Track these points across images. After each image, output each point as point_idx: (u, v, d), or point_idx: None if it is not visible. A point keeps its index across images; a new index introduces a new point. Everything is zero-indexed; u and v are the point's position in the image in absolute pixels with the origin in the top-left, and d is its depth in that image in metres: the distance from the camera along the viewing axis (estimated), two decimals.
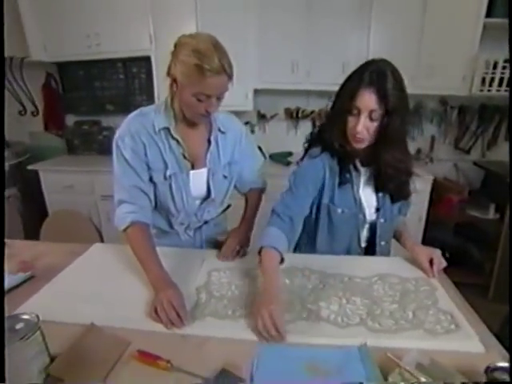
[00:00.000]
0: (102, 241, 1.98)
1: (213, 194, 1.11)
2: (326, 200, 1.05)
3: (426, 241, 2.41)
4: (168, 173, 1.02)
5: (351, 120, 0.91)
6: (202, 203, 1.13)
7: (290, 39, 2.27)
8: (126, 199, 1.00)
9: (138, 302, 0.85)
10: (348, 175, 1.02)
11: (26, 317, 0.63)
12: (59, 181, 2.53)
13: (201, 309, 0.83)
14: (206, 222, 1.20)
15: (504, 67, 2.15)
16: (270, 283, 0.83)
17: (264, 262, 0.88)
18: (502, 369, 0.58)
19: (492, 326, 0.82)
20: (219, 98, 0.93)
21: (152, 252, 0.93)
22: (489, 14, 2.08)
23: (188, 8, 2.22)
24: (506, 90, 2.19)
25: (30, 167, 2.50)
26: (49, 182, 2.55)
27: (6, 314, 0.61)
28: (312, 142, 1.09)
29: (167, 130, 1.01)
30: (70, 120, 2.91)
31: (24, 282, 0.96)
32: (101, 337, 0.72)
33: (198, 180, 1.08)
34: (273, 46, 2.28)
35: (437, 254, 1.02)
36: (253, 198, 1.26)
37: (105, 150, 2.76)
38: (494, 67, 2.17)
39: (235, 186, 1.22)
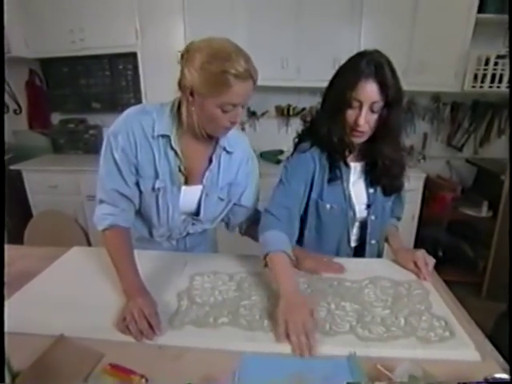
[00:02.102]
0: (88, 242, 1.92)
1: (201, 214, 1.01)
2: (314, 195, 1.01)
3: (419, 239, 2.39)
4: (157, 185, 0.93)
5: (351, 113, 0.88)
6: (186, 218, 1.04)
7: (280, 35, 2.22)
8: (106, 200, 0.93)
9: (115, 310, 0.80)
10: (338, 170, 0.98)
11: None
12: (43, 181, 2.46)
13: (181, 316, 0.77)
14: (189, 234, 1.11)
15: (496, 63, 2.13)
16: (292, 287, 0.79)
17: (276, 267, 0.84)
18: (501, 381, 0.53)
19: (486, 324, 0.79)
20: (243, 106, 0.85)
21: (128, 258, 0.87)
22: (481, 10, 2.06)
23: (175, 3, 2.16)
24: (498, 87, 2.17)
25: (12, 167, 2.42)
26: (33, 182, 2.48)
27: None
28: (302, 137, 1.05)
29: (167, 138, 0.91)
30: (56, 118, 2.83)
31: None
32: (70, 349, 0.67)
33: (189, 196, 0.99)
34: (262, 42, 2.21)
35: (418, 255, 0.98)
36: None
37: (91, 148, 2.70)
38: (486, 63, 2.15)
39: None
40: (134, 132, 0.89)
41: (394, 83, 0.85)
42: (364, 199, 1.03)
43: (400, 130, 0.97)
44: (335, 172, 0.98)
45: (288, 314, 0.72)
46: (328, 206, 1.00)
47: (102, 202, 0.94)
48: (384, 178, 0.99)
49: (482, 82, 2.17)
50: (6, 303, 0.83)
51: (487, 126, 2.51)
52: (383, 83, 0.83)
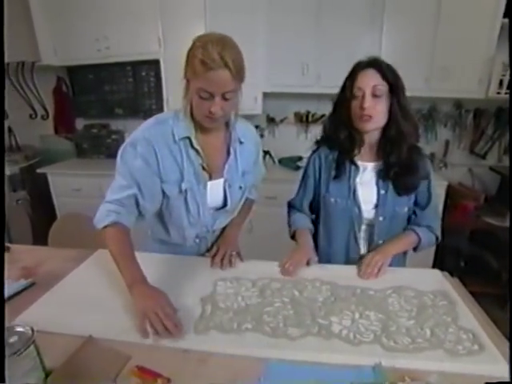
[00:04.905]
0: None
1: (229, 205, 1.07)
2: (323, 190, 1.10)
3: (441, 249, 2.33)
4: (183, 186, 0.98)
5: (355, 104, 0.96)
6: (214, 213, 1.09)
7: (300, 41, 2.23)
8: (113, 201, 0.94)
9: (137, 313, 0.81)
10: (343, 168, 1.05)
11: (20, 329, 0.60)
12: (68, 184, 2.54)
13: (205, 321, 0.78)
14: (213, 231, 1.16)
15: None
16: (306, 240, 1.08)
17: (298, 235, 1.11)
18: None
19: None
20: (226, 99, 0.87)
21: (131, 254, 0.88)
22: (507, 15, 2.00)
23: (197, 11, 2.21)
24: None
25: (38, 170, 2.52)
26: (57, 186, 2.57)
27: (6, 324, 0.59)
28: (319, 139, 1.13)
29: (188, 139, 0.96)
30: (80, 123, 2.93)
31: (25, 289, 0.94)
32: (99, 350, 0.69)
33: (214, 191, 1.04)
34: (282, 49, 2.25)
35: (366, 255, 1.03)
36: (246, 206, 1.21)
37: (113, 153, 2.74)
38: None
39: None
40: (153, 141, 0.93)
41: (392, 71, 0.93)
42: (373, 199, 1.05)
43: (409, 116, 0.97)
44: (341, 169, 1.05)
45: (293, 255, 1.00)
46: (333, 199, 1.07)
47: (107, 202, 0.95)
48: (394, 173, 1.00)
49: (508, 88, 2.12)
50: (36, 303, 0.86)
51: None
52: (381, 70, 0.92)
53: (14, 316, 0.80)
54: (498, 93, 2.15)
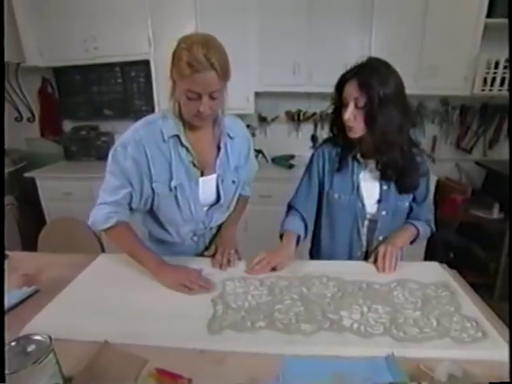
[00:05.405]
0: (102, 249, 1.94)
1: (222, 199, 1.08)
2: (326, 186, 1.12)
3: (431, 241, 2.39)
4: (173, 184, 0.99)
5: (343, 111, 0.98)
6: (209, 209, 1.10)
7: (291, 41, 2.24)
8: (110, 203, 0.98)
9: (152, 316, 0.82)
10: (346, 163, 1.07)
11: (37, 338, 0.59)
12: (57, 188, 2.48)
13: (218, 321, 0.79)
14: (210, 228, 1.18)
15: (505, 67, 2.15)
16: (286, 245, 1.07)
17: (284, 237, 1.11)
18: None
19: None
20: (213, 98, 0.89)
21: (143, 243, 1.01)
22: (490, 14, 2.08)
23: (187, 10, 2.19)
24: (507, 90, 2.19)
25: (26, 174, 2.45)
26: (46, 190, 2.51)
27: (19, 334, 0.58)
28: (327, 140, 1.15)
29: (177, 137, 0.98)
30: (67, 126, 2.86)
31: (29, 296, 0.92)
32: (116, 355, 0.69)
33: (207, 187, 1.06)
34: (274, 48, 2.26)
35: (378, 248, 1.05)
36: (240, 203, 1.23)
37: (103, 155, 2.71)
38: (496, 67, 2.17)
39: None
40: (143, 142, 0.95)
41: (379, 82, 0.91)
42: (376, 195, 1.08)
43: (390, 126, 0.95)
44: (343, 165, 1.07)
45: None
46: (336, 195, 1.09)
47: (103, 203, 0.99)
48: (393, 174, 1.03)
49: (492, 85, 2.20)
50: (43, 311, 0.85)
51: (496, 128, 2.53)
52: (364, 82, 0.92)
53: (21, 325, 0.78)
54: (483, 90, 2.23)
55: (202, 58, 0.83)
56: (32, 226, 2.27)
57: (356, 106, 0.94)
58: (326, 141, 1.14)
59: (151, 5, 2.22)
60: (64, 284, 0.96)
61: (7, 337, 0.57)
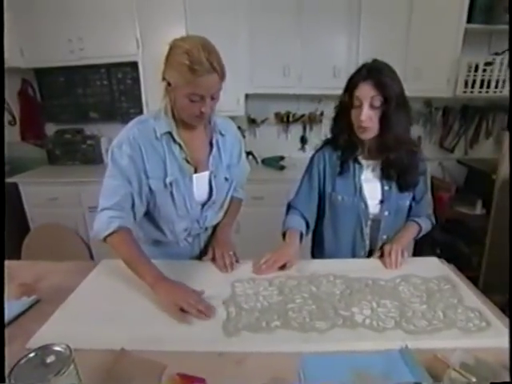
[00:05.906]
0: (91, 256, 1.89)
1: (214, 196, 1.09)
2: (328, 189, 1.13)
3: (419, 238, 2.47)
4: (168, 180, 1.00)
5: (354, 112, 0.99)
6: (203, 207, 1.10)
7: (281, 43, 2.27)
8: (112, 206, 0.95)
9: (164, 320, 0.81)
10: (347, 166, 1.09)
11: (56, 348, 0.58)
12: (42, 193, 2.40)
13: (233, 323, 0.79)
14: (205, 229, 1.17)
15: (484, 70, 2.27)
16: (291, 242, 1.07)
17: (287, 235, 1.11)
18: None
19: None
20: (213, 98, 0.92)
21: (143, 254, 0.92)
22: (469, 20, 2.19)
23: (177, 12, 2.18)
24: (486, 92, 2.31)
25: (8, 180, 2.34)
26: (30, 195, 2.41)
27: (25, 346, 0.56)
28: (326, 142, 1.16)
29: (169, 134, 0.99)
30: (51, 129, 2.76)
31: (30, 307, 0.89)
32: (135, 362, 0.68)
33: (200, 184, 1.07)
34: (264, 51, 2.28)
35: (385, 246, 1.07)
36: (234, 205, 1.23)
37: (90, 159, 2.65)
38: (476, 70, 2.27)
39: None
40: (136, 139, 0.96)
41: (391, 82, 0.95)
42: (378, 195, 1.10)
43: (402, 125, 0.99)
44: (345, 167, 1.09)
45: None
46: (340, 197, 1.11)
47: (105, 209, 0.96)
48: (395, 173, 1.06)
49: (472, 87, 2.30)
50: (50, 321, 0.82)
51: (476, 128, 2.66)
52: (379, 82, 0.94)
53: (26, 336, 0.76)
54: (464, 92, 2.33)
55: (204, 62, 0.84)
56: (15, 233, 2.18)
57: (371, 106, 0.95)
58: (326, 143, 1.15)
59: (139, 5, 2.19)
60: (65, 292, 0.93)
61: (13, 350, 0.55)
